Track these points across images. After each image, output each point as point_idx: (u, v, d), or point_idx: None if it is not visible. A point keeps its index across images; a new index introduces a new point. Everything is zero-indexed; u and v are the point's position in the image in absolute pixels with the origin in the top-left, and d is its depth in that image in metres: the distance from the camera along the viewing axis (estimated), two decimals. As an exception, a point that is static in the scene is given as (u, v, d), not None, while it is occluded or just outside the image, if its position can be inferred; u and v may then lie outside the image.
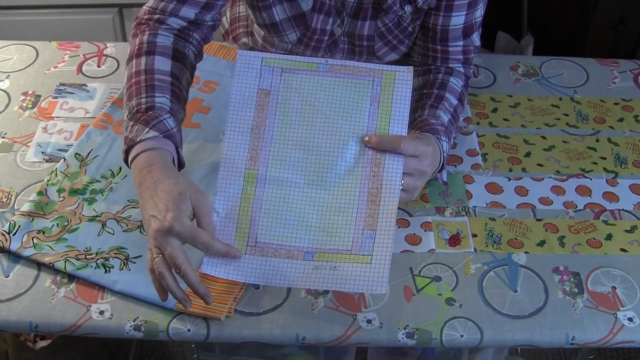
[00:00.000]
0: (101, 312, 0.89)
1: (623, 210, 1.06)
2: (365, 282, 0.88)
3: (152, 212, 0.85)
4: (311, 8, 1.07)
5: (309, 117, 0.95)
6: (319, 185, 0.93)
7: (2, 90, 1.21)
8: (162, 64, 0.99)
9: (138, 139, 0.90)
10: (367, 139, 0.93)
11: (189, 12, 1.03)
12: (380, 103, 0.95)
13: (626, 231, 1.03)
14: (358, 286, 0.88)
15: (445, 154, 1.01)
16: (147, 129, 0.91)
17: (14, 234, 0.96)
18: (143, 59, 0.99)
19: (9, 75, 1.24)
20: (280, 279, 0.90)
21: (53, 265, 0.93)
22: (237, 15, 1.23)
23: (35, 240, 0.96)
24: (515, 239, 1.01)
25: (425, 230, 1.01)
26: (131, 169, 0.91)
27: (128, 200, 1.02)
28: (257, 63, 0.96)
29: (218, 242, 0.88)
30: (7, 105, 1.18)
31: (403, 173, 0.93)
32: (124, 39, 1.98)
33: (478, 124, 1.19)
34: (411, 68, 0.96)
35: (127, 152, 0.92)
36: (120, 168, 1.07)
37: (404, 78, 0.95)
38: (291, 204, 0.93)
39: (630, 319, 0.92)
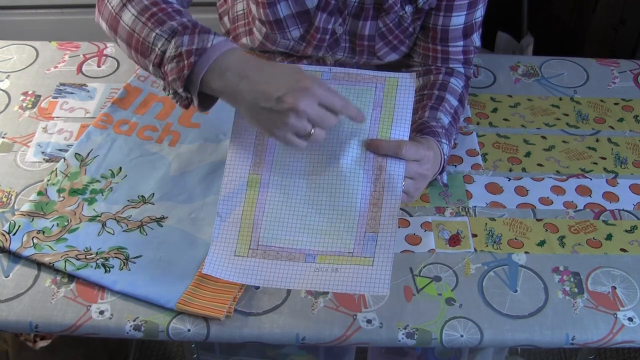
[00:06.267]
0: (101, 312, 0.90)
1: (623, 210, 1.06)
2: (366, 283, 0.88)
3: (278, 93, 0.83)
4: (316, 6, 1.07)
5: None
6: (322, 189, 0.93)
7: (2, 90, 1.21)
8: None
9: (209, 45, 0.86)
10: (368, 143, 0.94)
11: None
12: (382, 108, 0.95)
13: (626, 231, 1.03)
14: (359, 288, 0.88)
15: (445, 156, 1.01)
16: (211, 35, 0.87)
17: (14, 234, 0.96)
18: None
19: (9, 75, 1.24)
20: (282, 281, 0.90)
21: (53, 265, 0.93)
22: (236, 14, 1.23)
23: (35, 240, 0.96)
24: (515, 239, 1.01)
25: (425, 230, 1.01)
26: (207, 77, 0.86)
27: (128, 200, 1.02)
28: None
29: (350, 104, 0.88)
30: (7, 105, 1.18)
31: (404, 176, 0.93)
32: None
33: (478, 124, 1.19)
34: (414, 74, 0.96)
35: (194, 65, 0.86)
36: (120, 168, 1.07)
37: (406, 84, 0.96)
38: (293, 207, 0.93)
39: (630, 319, 0.92)
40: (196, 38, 0.87)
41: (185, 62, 0.86)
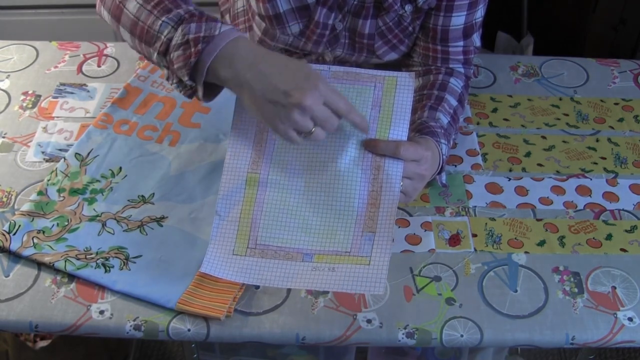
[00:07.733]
0: (101, 312, 0.90)
1: (623, 210, 1.06)
2: (362, 282, 0.88)
3: (285, 87, 0.82)
4: (315, 1, 1.07)
5: None
6: (319, 188, 0.93)
7: (2, 90, 1.21)
8: None
9: (217, 32, 0.86)
10: (366, 142, 0.94)
11: None
12: (381, 107, 0.95)
13: (626, 231, 1.03)
14: (355, 287, 0.88)
15: (444, 156, 1.01)
16: (218, 23, 0.87)
17: (14, 234, 0.96)
18: None
19: (9, 75, 1.24)
20: (279, 280, 0.90)
21: (53, 265, 0.93)
22: (237, 11, 1.23)
23: (35, 240, 0.96)
24: (515, 239, 1.01)
25: (425, 230, 1.01)
26: (214, 65, 0.86)
27: (128, 200, 1.02)
28: None
29: (355, 110, 0.88)
30: (7, 105, 1.18)
31: (402, 176, 0.93)
32: (124, 39, 1.99)
33: (478, 124, 1.19)
34: (413, 74, 0.96)
35: (201, 52, 0.85)
36: (120, 168, 1.07)
37: (405, 83, 0.96)
38: (291, 206, 0.93)
39: (630, 319, 0.92)
40: (203, 25, 0.86)
41: (193, 49, 0.86)
